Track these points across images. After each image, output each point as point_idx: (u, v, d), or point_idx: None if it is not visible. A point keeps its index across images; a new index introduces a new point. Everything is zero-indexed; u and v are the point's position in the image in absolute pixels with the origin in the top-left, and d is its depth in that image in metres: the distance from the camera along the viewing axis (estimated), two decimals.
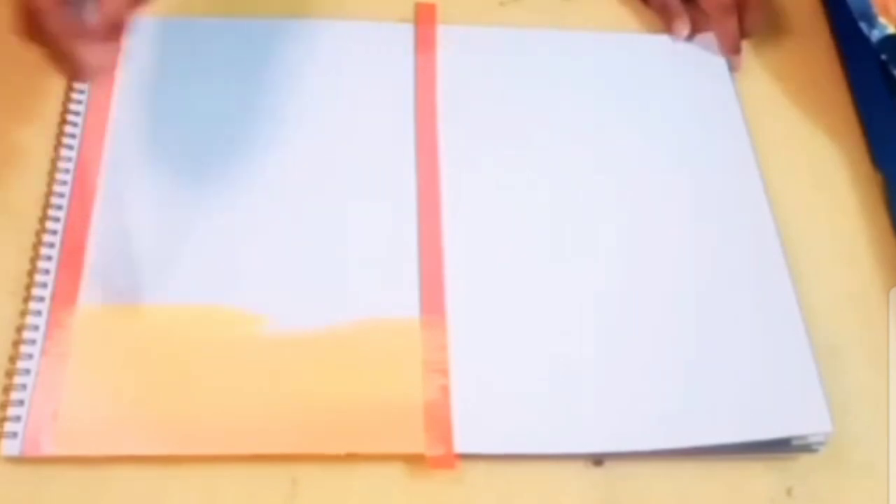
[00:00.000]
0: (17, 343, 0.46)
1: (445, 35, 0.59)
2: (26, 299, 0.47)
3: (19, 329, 0.46)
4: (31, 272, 0.48)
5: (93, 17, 0.41)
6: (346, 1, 0.60)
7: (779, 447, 0.47)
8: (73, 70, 0.42)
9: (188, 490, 0.44)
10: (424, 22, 0.59)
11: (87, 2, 0.41)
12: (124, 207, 0.51)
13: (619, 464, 0.47)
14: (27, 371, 0.45)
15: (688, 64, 0.60)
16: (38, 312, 0.47)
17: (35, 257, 0.48)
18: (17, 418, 0.44)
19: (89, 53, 0.41)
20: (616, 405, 0.47)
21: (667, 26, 0.62)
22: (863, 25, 0.58)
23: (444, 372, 0.47)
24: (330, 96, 0.56)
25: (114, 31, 0.42)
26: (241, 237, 0.50)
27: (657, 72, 0.60)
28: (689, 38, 0.61)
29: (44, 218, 0.49)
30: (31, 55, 0.55)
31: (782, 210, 0.54)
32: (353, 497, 0.45)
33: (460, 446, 0.45)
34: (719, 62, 0.60)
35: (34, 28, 0.40)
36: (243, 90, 0.55)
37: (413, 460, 0.45)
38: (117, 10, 0.42)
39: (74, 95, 0.53)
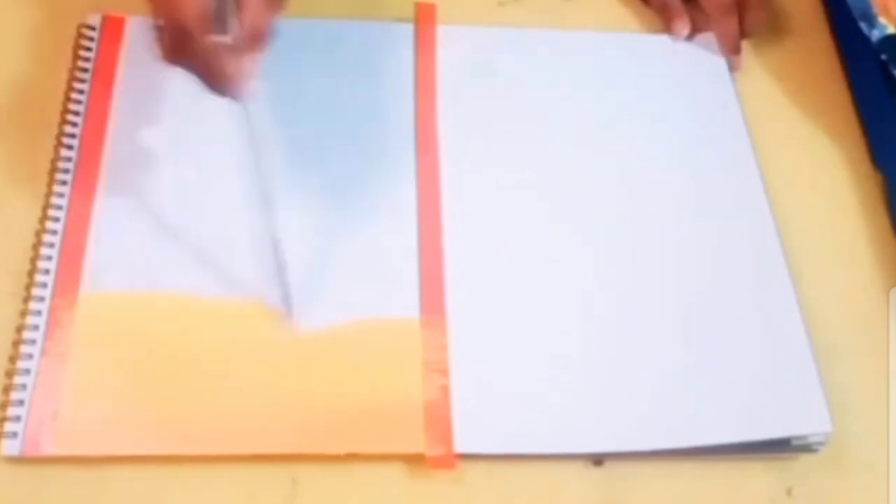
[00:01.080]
0: (17, 343, 0.46)
1: (445, 35, 0.59)
2: (26, 299, 0.47)
3: (19, 329, 0.46)
4: (31, 272, 0.48)
5: (235, 30, 0.41)
6: (346, 1, 0.60)
7: (779, 447, 0.47)
8: (223, 85, 0.42)
9: (188, 490, 0.44)
10: (424, 22, 0.59)
11: (227, 16, 0.41)
12: (124, 207, 0.51)
13: (619, 464, 0.47)
14: (27, 371, 0.45)
15: (688, 64, 0.60)
16: (38, 312, 0.47)
17: (35, 257, 0.48)
18: (17, 418, 0.44)
19: (237, 67, 0.42)
20: (616, 405, 0.47)
21: (667, 26, 0.62)
22: (863, 25, 0.58)
23: (444, 372, 0.47)
24: (329, 96, 0.56)
25: (256, 41, 0.42)
26: (239, 237, 0.50)
27: (657, 72, 0.60)
28: (689, 38, 0.61)
29: (44, 218, 0.49)
30: (31, 55, 0.55)
31: (782, 210, 0.54)
32: (353, 497, 0.45)
33: (460, 446, 0.45)
34: (719, 62, 0.60)
35: (182, 49, 0.41)
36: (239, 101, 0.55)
37: (413, 460, 0.45)
38: (258, 20, 0.42)
39: (74, 95, 0.53)
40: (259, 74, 0.43)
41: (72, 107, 0.53)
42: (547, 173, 0.55)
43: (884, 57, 0.58)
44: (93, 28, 0.56)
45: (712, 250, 0.53)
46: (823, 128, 0.59)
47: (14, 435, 0.44)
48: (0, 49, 0.56)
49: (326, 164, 0.53)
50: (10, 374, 0.45)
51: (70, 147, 0.52)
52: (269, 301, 0.48)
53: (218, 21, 0.41)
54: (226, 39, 0.41)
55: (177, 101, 0.54)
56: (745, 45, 0.61)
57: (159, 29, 0.42)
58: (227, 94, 0.43)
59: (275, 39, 0.43)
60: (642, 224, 0.53)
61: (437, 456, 0.45)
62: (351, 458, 0.45)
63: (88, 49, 0.55)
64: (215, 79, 0.42)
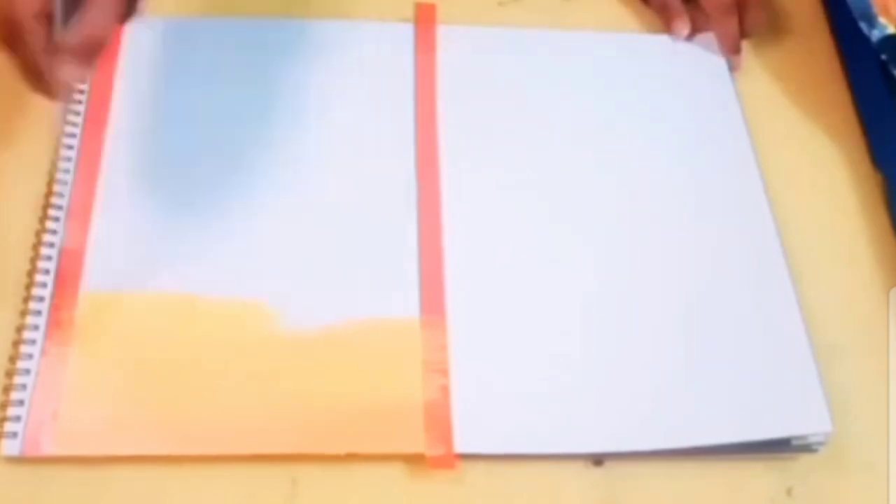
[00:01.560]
0: (17, 343, 0.46)
1: (445, 35, 0.59)
2: (26, 299, 0.47)
3: (19, 329, 0.46)
4: (31, 272, 0.48)
5: (72, 34, 0.41)
6: (346, 1, 0.60)
7: (779, 447, 0.47)
8: (42, 86, 0.41)
9: (188, 490, 0.44)
10: (424, 22, 0.59)
11: (70, 17, 0.41)
12: (124, 207, 0.51)
13: (619, 464, 0.47)
14: (27, 371, 0.45)
15: (688, 64, 0.60)
16: (38, 312, 0.47)
17: (35, 257, 0.48)
18: (17, 418, 0.44)
19: (63, 71, 0.41)
20: (616, 405, 0.47)
21: (667, 26, 0.61)
22: (863, 25, 0.58)
23: (444, 372, 0.47)
24: (330, 96, 0.56)
25: (91, 50, 0.42)
26: (239, 237, 0.50)
27: (657, 72, 0.60)
28: (689, 38, 0.61)
29: (44, 218, 0.49)
30: None
31: (782, 210, 0.54)
32: (353, 497, 0.45)
33: (460, 446, 0.45)
34: (719, 62, 0.60)
35: (10, 38, 0.40)
36: (242, 90, 0.55)
37: (413, 460, 0.45)
38: (98, 30, 0.42)
39: (74, 96, 0.53)
40: (83, 82, 0.42)
41: (72, 107, 0.53)
42: (547, 173, 0.55)
43: (884, 57, 0.58)
44: None
45: (712, 250, 0.53)
46: (823, 128, 0.59)
47: (14, 435, 0.44)
48: (0, 49, 0.56)
49: (326, 164, 0.53)
50: (10, 374, 0.45)
51: (70, 147, 0.52)
52: (269, 301, 0.48)
53: (56, 19, 0.40)
54: (57, 38, 0.41)
55: (177, 101, 0.54)
56: (745, 45, 0.61)
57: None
58: (47, 96, 0.42)
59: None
60: (642, 224, 0.53)
61: (437, 456, 0.45)
62: (351, 458, 0.45)
63: None
64: (37, 78, 0.41)
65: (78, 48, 0.41)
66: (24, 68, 0.41)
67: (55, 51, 0.40)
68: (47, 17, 0.40)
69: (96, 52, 0.42)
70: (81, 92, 0.54)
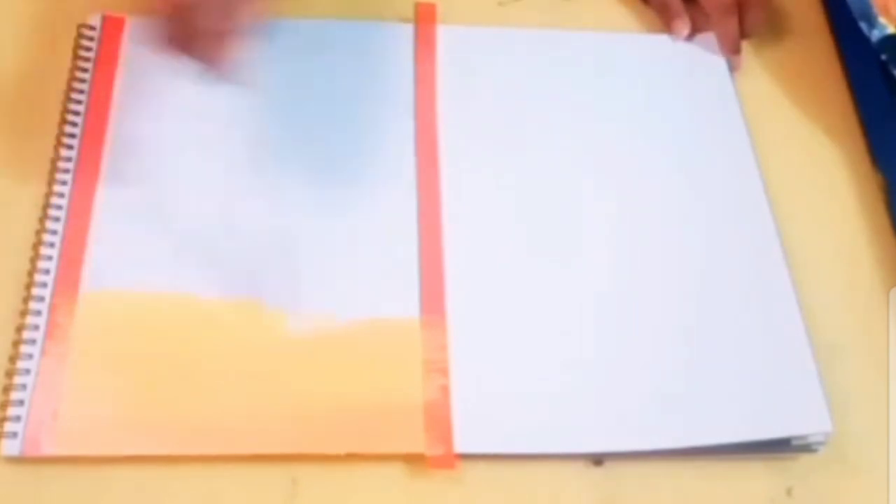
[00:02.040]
0: (17, 343, 0.46)
1: (445, 35, 0.59)
2: (26, 299, 0.47)
3: (19, 329, 0.46)
4: (31, 272, 0.48)
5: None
6: (346, 1, 0.60)
7: (779, 447, 0.47)
8: (225, 68, 0.44)
9: (188, 490, 0.44)
10: (424, 22, 0.59)
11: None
12: (124, 207, 0.51)
13: (619, 464, 0.47)
14: (27, 371, 0.45)
15: (688, 64, 0.60)
16: (38, 313, 0.47)
17: (35, 257, 0.48)
18: (17, 418, 0.44)
19: (235, 51, 0.43)
20: (616, 405, 0.47)
21: (667, 26, 0.61)
22: (863, 25, 0.58)
23: (444, 372, 0.47)
24: (329, 96, 0.56)
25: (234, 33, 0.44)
26: (239, 237, 0.50)
27: (657, 72, 0.60)
28: (690, 37, 0.61)
29: (44, 218, 0.49)
30: (31, 55, 0.55)
31: (782, 210, 0.54)
32: (353, 497, 0.45)
33: (460, 446, 0.45)
34: (719, 62, 0.60)
35: (184, 36, 0.43)
36: (242, 89, 0.55)
37: (413, 460, 0.45)
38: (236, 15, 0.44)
39: (74, 95, 0.53)
40: (253, 58, 0.44)
41: (72, 107, 0.53)
42: (546, 173, 0.55)
43: (884, 57, 0.58)
44: (93, 28, 0.56)
45: (712, 250, 0.53)
46: (823, 128, 0.59)
47: (14, 435, 0.44)
48: (0, 49, 0.56)
49: (326, 164, 0.53)
50: (10, 374, 0.45)
51: (70, 147, 0.52)
52: (269, 301, 0.48)
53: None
54: (223, 25, 0.43)
55: (177, 100, 0.54)
56: (745, 45, 0.61)
57: (160, 20, 0.43)
58: (229, 77, 0.44)
59: (270, 33, 0.46)
60: (642, 224, 0.53)
61: (437, 456, 0.45)
62: (351, 458, 0.45)
63: (88, 49, 0.55)
64: (217, 62, 0.44)
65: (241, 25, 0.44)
66: (203, 58, 0.44)
67: (225, 35, 0.43)
68: (209, 5, 0.43)
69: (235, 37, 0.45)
70: (81, 92, 0.54)
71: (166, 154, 0.53)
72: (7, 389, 0.45)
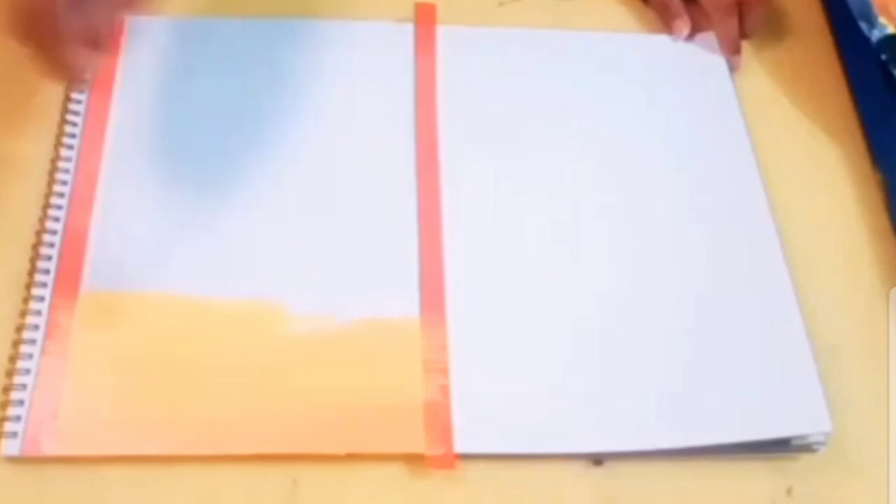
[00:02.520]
0: (17, 343, 0.46)
1: (445, 35, 0.59)
2: (26, 299, 0.47)
3: (19, 329, 0.46)
4: (31, 272, 0.48)
5: (79, 23, 0.42)
6: (346, 1, 0.60)
7: (779, 447, 0.47)
8: (64, 73, 0.43)
9: (188, 490, 0.44)
10: (424, 22, 0.59)
11: (80, 6, 0.42)
12: (124, 207, 0.51)
13: (619, 464, 0.47)
14: (27, 371, 0.45)
15: (688, 64, 0.60)
16: (38, 312, 0.47)
17: (35, 257, 0.48)
18: (17, 418, 0.44)
19: (81, 58, 0.42)
20: (616, 405, 0.47)
21: (667, 26, 0.61)
22: (863, 25, 0.58)
23: (444, 372, 0.47)
24: (330, 96, 0.56)
25: (98, 40, 0.43)
26: (239, 237, 0.50)
27: (657, 72, 0.60)
28: (690, 37, 0.61)
29: (44, 218, 0.49)
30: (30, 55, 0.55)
31: (782, 210, 0.54)
32: (353, 497, 0.45)
33: (460, 446, 0.45)
34: (719, 62, 0.60)
35: (32, 30, 0.41)
36: (243, 90, 0.55)
37: (413, 460, 0.45)
38: (102, 20, 0.43)
39: (74, 96, 0.53)
40: (95, 71, 0.44)
41: (72, 107, 0.53)
42: (547, 173, 0.55)
43: (884, 57, 0.58)
44: None
45: (712, 250, 0.53)
46: (823, 128, 0.59)
47: (14, 435, 0.44)
48: (0, 49, 0.56)
49: (326, 164, 0.53)
50: (10, 374, 0.45)
51: (70, 147, 0.52)
52: (270, 301, 0.48)
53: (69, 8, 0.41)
54: (72, 29, 0.42)
55: (177, 100, 0.54)
56: (745, 45, 0.61)
57: (13, 5, 0.42)
58: (68, 83, 0.44)
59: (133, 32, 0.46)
60: (642, 224, 0.53)
61: (437, 456, 0.45)
62: (351, 458, 0.45)
63: None
64: (58, 66, 0.43)
65: (86, 37, 0.42)
66: (43, 57, 0.42)
67: (74, 38, 0.42)
68: (67, 6, 0.41)
69: (104, 41, 0.44)
70: (81, 92, 0.54)
71: (166, 154, 0.53)
72: (7, 389, 0.45)
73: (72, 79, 0.44)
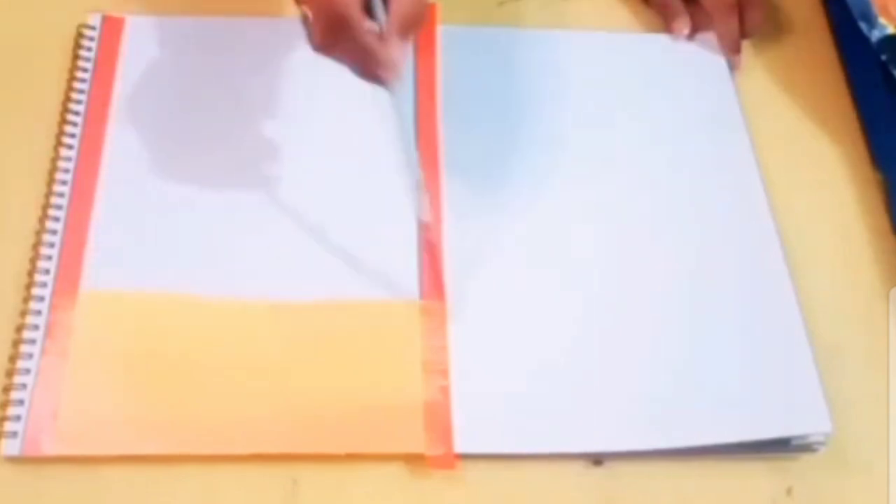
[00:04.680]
0: (17, 343, 0.46)
1: (445, 35, 0.59)
2: (26, 299, 0.47)
3: (19, 329, 0.46)
4: (31, 272, 0.48)
5: (383, 18, 0.44)
6: None
7: (779, 447, 0.47)
8: (377, 70, 0.44)
9: (188, 490, 0.44)
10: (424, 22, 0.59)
11: (376, 4, 0.44)
12: (124, 207, 0.51)
13: (619, 464, 0.47)
14: (27, 371, 0.45)
15: (688, 64, 0.60)
16: (38, 312, 0.47)
17: (35, 257, 0.48)
18: (17, 418, 0.44)
19: (387, 53, 0.44)
20: (616, 405, 0.47)
21: (667, 25, 0.61)
22: (863, 25, 0.58)
23: (444, 372, 0.47)
24: (330, 96, 0.56)
25: (405, 28, 0.44)
26: (239, 236, 0.50)
27: (657, 72, 0.60)
28: (690, 37, 0.61)
29: (44, 218, 0.49)
30: (31, 55, 0.55)
31: (782, 210, 0.54)
32: (353, 497, 0.45)
33: (460, 446, 0.45)
34: (719, 62, 0.60)
35: (336, 37, 0.44)
36: (242, 89, 0.55)
37: (413, 460, 0.45)
38: (407, 8, 0.44)
39: (74, 95, 0.53)
40: (407, 60, 0.45)
41: (72, 107, 0.53)
42: (546, 172, 0.55)
43: (884, 57, 0.58)
44: (93, 28, 0.56)
45: (712, 250, 0.53)
46: (823, 128, 0.59)
47: (14, 435, 0.44)
48: (0, 49, 0.56)
49: (326, 163, 0.53)
50: (10, 374, 0.45)
51: (70, 147, 0.52)
52: (269, 299, 0.48)
53: (367, 9, 0.43)
54: (374, 27, 0.43)
55: (176, 100, 0.54)
56: (745, 44, 0.61)
57: (311, 19, 0.44)
58: (380, 80, 0.45)
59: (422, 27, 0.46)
60: (642, 223, 0.53)
61: (437, 456, 0.45)
62: (351, 458, 0.45)
63: (88, 49, 0.55)
64: (370, 65, 0.44)
65: (395, 28, 0.44)
66: (356, 60, 0.44)
67: (380, 35, 0.44)
68: (363, 7, 0.43)
69: (413, 27, 0.45)
70: (81, 92, 0.54)
71: (166, 154, 0.53)
72: (7, 389, 0.45)
73: (382, 75, 0.44)
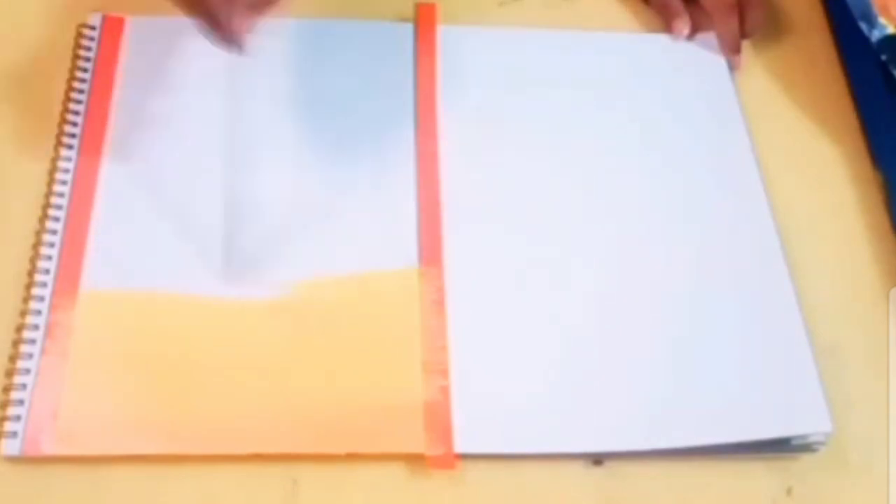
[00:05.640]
0: (17, 343, 0.46)
1: (445, 35, 0.59)
2: (26, 299, 0.47)
3: (19, 329, 0.46)
4: (31, 272, 0.48)
5: None
6: (346, 1, 0.60)
7: (779, 447, 0.47)
8: (227, 37, 0.45)
9: (188, 490, 0.44)
10: (424, 22, 0.59)
11: None
12: (124, 207, 0.51)
13: (619, 464, 0.47)
14: (27, 371, 0.45)
15: (688, 64, 0.60)
16: (38, 312, 0.47)
17: (35, 257, 0.48)
18: (17, 418, 0.44)
19: (231, 23, 0.44)
20: (616, 405, 0.47)
21: (667, 25, 0.61)
22: (863, 25, 0.58)
23: (444, 372, 0.47)
24: (330, 96, 0.56)
25: (254, 2, 0.45)
26: (239, 236, 0.50)
27: (657, 72, 0.60)
28: (690, 37, 0.61)
29: (44, 218, 0.49)
30: (31, 55, 0.55)
31: (782, 210, 0.54)
32: (353, 497, 0.45)
33: (460, 446, 0.45)
34: (719, 62, 0.60)
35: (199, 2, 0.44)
36: (242, 89, 0.55)
37: (413, 460, 0.45)
38: None
39: (74, 95, 0.53)
40: (257, 31, 0.45)
41: (72, 107, 0.53)
42: (546, 172, 0.55)
43: (884, 57, 0.58)
44: (93, 28, 0.56)
45: (712, 250, 0.53)
46: (823, 128, 0.59)
47: (14, 435, 0.44)
48: (0, 49, 0.56)
49: (326, 164, 0.53)
50: (10, 373, 0.45)
51: (70, 147, 0.52)
52: (268, 297, 0.48)
53: None
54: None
55: (176, 101, 0.54)
56: (745, 45, 0.61)
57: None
58: (228, 47, 0.45)
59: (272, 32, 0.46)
60: (642, 224, 0.53)
61: (437, 456, 0.45)
62: (351, 458, 0.45)
63: (88, 49, 0.55)
64: (214, 31, 0.44)
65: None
66: (202, 21, 0.45)
67: (236, 5, 0.44)
68: None
69: (266, 3, 0.46)
70: (81, 91, 0.54)
71: (166, 154, 0.53)
72: (7, 389, 0.45)
73: (234, 43, 0.45)
